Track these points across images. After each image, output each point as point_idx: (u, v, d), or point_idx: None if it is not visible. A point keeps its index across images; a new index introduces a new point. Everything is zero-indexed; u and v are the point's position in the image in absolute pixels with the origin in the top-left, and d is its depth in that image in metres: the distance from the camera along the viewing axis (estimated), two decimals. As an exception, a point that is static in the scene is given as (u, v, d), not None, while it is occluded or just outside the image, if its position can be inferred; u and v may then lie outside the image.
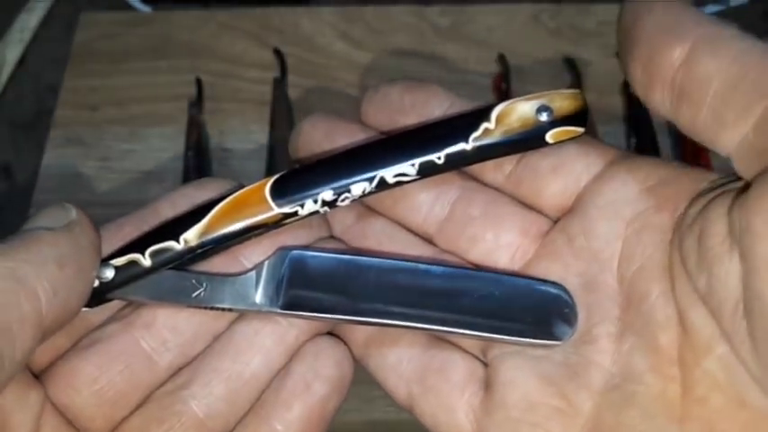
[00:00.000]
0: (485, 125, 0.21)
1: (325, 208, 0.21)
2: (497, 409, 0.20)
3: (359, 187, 0.21)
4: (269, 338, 0.21)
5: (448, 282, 0.21)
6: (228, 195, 0.21)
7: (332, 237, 0.23)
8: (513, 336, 0.21)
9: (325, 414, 0.21)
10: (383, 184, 0.21)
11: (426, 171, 0.21)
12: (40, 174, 0.45)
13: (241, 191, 0.21)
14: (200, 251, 0.20)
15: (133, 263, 0.20)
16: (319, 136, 0.23)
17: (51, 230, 0.19)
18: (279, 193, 0.21)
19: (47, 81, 0.50)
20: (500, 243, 0.22)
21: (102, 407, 0.20)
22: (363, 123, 0.23)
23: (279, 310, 0.21)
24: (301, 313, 0.21)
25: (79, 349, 0.21)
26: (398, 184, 0.21)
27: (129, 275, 0.20)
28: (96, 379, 0.20)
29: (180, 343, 0.21)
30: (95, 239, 0.20)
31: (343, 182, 0.21)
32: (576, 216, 0.21)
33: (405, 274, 0.21)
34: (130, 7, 0.53)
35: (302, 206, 0.21)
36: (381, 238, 0.23)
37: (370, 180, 0.21)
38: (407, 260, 0.22)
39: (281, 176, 0.21)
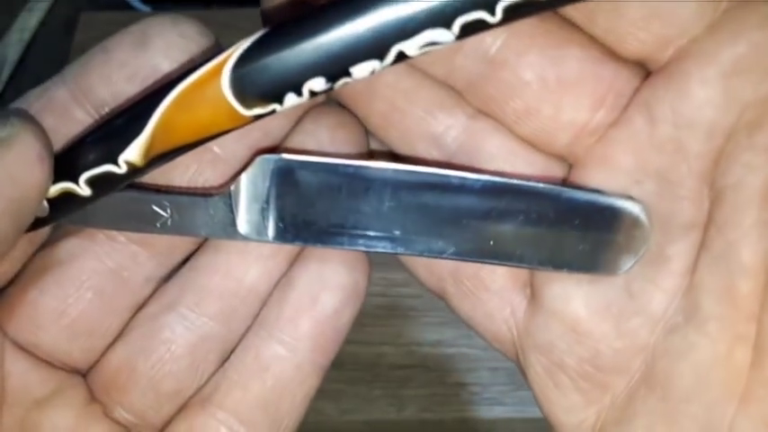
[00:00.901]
0: None
1: (314, 97, 0.15)
2: (541, 335, 0.17)
3: (365, 68, 0.14)
4: (264, 245, 0.18)
5: (486, 199, 0.16)
6: (175, 80, 0.15)
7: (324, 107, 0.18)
8: (563, 268, 0.17)
9: (338, 327, 0.18)
10: (402, 59, 0.14)
11: (471, 33, 0.14)
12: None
13: (188, 81, 0.15)
14: (150, 169, 0.16)
15: (68, 193, 0.16)
16: None
17: None
18: (244, 84, 0.14)
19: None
20: (561, 120, 0.16)
21: (77, 340, 0.18)
22: None
23: (269, 241, 0.17)
24: (298, 243, 0.17)
25: (35, 277, 0.17)
26: (425, 53, 0.14)
27: (67, 207, 0.16)
28: (63, 313, 0.17)
29: (154, 254, 0.18)
30: (30, 173, 0.15)
31: (341, 62, 0.14)
32: (669, 86, 0.15)
33: (430, 190, 0.16)
34: (131, 7, 0.53)
35: (280, 102, 0.14)
36: (396, 98, 0.17)
37: (382, 56, 0.14)
38: (434, 168, 0.17)
39: (243, 54, 0.14)
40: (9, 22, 0.53)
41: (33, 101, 0.16)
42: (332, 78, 0.14)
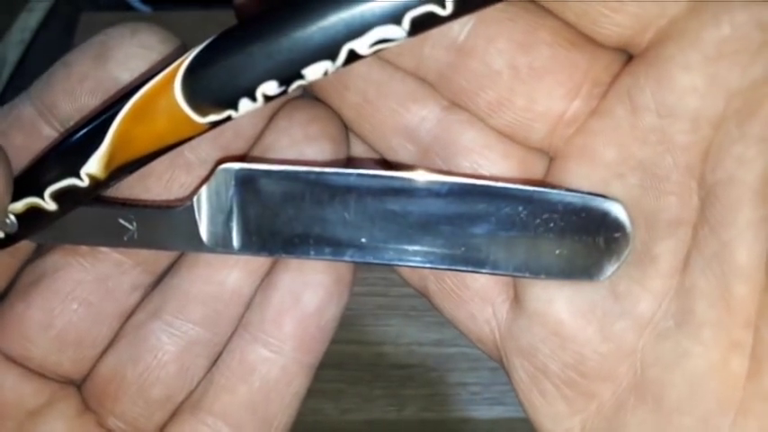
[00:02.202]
0: None
1: (270, 101, 0.14)
2: (523, 338, 0.17)
3: (317, 69, 0.14)
4: None
5: (455, 203, 0.16)
6: (135, 88, 0.15)
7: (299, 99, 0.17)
8: (541, 274, 0.16)
9: (322, 325, 0.18)
10: (354, 58, 0.14)
11: (424, 27, 0.13)
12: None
13: (141, 92, 0.14)
14: (114, 182, 0.16)
15: (34, 208, 0.16)
16: None
17: None
18: (196, 90, 0.14)
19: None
20: (536, 111, 0.15)
21: (66, 351, 0.18)
22: None
23: (234, 252, 0.17)
24: (264, 254, 0.17)
25: (22, 291, 0.18)
26: (380, 50, 0.14)
27: (35, 222, 0.16)
28: (50, 324, 0.17)
29: (138, 262, 0.18)
30: None
31: (293, 64, 0.14)
32: (650, 72, 0.14)
33: (396, 196, 0.16)
34: (131, 8, 0.53)
35: (235, 107, 0.14)
36: (368, 90, 0.17)
37: (333, 56, 0.14)
38: (399, 172, 0.16)
39: (194, 61, 0.14)
40: (9, 23, 0.53)
41: (0, 120, 0.16)
42: (285, 81, 0.14)
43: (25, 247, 0.18)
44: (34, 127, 0.16)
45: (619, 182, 0.15)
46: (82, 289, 0.18)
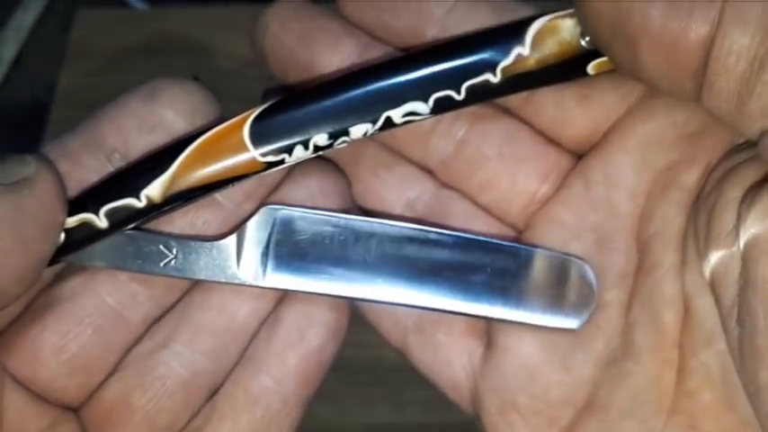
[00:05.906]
0: (517, 50, 0.17)
1: (318, 152, 0.18)
2: (495, 375, 0.19)
3: (360, 129, 0.17)
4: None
5: (460, 254, 0.19)
6: (199, 132, 0.17)
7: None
8: (523, 317, 0.19)
9: (322, 362, 0.19)
10: (389, 125, 0.17)
11: (442, 108, 0.17)
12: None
13: (213, 131, 0.17)
14: (165, 208, 0.18)
15: (86, 224, 0.17)
16: (292, 41, 0.20)
17: None
18: (261, 135, 0.17)
19: (43, 79, 0.50)
20: (516, 189, 0.19)
21: (75, 376, 0.18)
22: (343, 17, 0.19)
23: (264, 285, 0.19)
24: (290, 289, 0.19)
25: (37, 314, 0.18)
26: (407, 123, 0.18)
27: (83, 239, 0.17)
28: (63, 348, 0.18)
29: (153, 294, 0.19)
30: (54, 205, 0.16)
31: (342, 123, 0.17)
32: (599, 158, 0.19)
33: (411, 244, 0.19)
34: (127, 5, 0.53)
35: (290, 153, 0.17)
36: (378, 168, 0.20)
37: (374, 120, 0.17)
38: (412, 225, 0.19)
39: (263, 112, 0.17)
40: (5, 20, 0.53)
41: (49, 150, 0.18)
42: (333, 136, 0.17)
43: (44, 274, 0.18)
44: (79, 157, 0.18)
45: (577, 242, 0.19)
46: (98, 315, 0.18)
